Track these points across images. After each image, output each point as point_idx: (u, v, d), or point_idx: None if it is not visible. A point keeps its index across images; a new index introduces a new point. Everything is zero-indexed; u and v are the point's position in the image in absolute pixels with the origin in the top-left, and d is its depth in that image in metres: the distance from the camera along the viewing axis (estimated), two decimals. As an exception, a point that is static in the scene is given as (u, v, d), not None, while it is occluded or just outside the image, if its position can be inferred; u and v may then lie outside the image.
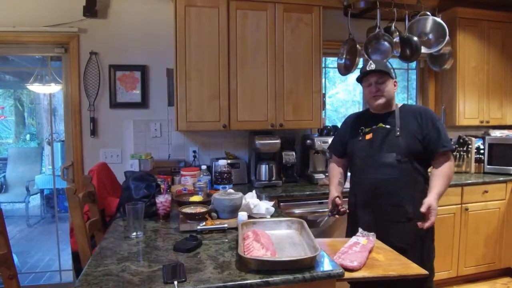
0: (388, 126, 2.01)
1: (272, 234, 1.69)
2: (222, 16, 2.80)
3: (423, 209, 1.83)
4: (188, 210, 1.88)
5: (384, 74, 1.98)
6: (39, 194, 5.46)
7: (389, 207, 1.97)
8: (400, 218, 1.96)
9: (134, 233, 1.76)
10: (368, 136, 2.04)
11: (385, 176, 1.95)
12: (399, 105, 2.09)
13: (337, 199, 2.07)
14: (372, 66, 1.97)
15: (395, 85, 2.05)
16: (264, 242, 1.52)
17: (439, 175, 1.92)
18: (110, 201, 2.41)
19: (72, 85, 2.99)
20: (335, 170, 2.26)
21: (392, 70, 2.03)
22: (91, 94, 3.00)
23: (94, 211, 2.17)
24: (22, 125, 7.74)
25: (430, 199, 1.85)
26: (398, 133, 1.97)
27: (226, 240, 1.71)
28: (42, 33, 2.90)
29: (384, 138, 1.99)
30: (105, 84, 3.02)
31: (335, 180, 2.20)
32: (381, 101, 2.00)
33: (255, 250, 1.46)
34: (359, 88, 5.17)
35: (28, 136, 7.60)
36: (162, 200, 1.98)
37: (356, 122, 2.17)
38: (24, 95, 7.61)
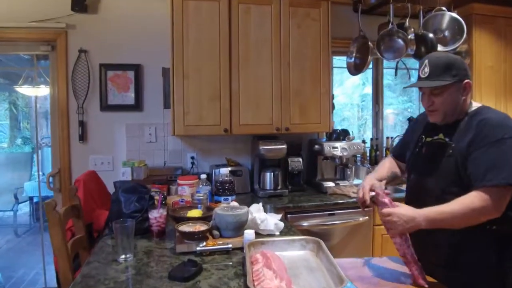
0: (447, 140, 1.48)
1: (284, 256, 1.45)
2: (223, 10, 2.58)
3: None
4: (185, 228, 1.63)
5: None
6: (28, 202, 5.20)
7: (428, 249, 1.48)
8: (438, 261, 1.48)
9: (123, 256, 1.51)
10: (423, 150, 1.58)
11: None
12: (474, 108, 1.48)
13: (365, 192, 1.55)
14: (425, 70, 1.45)
15: (466, 88, 1.44)
16: (276, 268, 1.28)
17: (454, 201, 1.33)
18: (98, 214, 2.18)
19: (60, 85, 2.76)
20: (388, 163, 1.80)
21: (460, 69, 1.43)
22: (80, 95, 2.76)
23: (79, 227, 1.93)
24: (17, 129, 7.51)
25: (404, 209, 1.36)
26: (451, 151, 1.43)
27: (231, 264, 1.47)
28: (27, 29, 2.68)
29: (435, 157, 1.49)
30: (95, 84, 2.79)
31: (380, 171, 1.76)
32: (436, 118, 1.50)
33: (267, 280, 1.22)
34: (358, 91, 4.95)
35: (19, 141, 7.34)
36: (156, 215, 1.73)
37: (421, 125, 1.67)
38: (19, 99, 7.38)
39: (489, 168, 1.30)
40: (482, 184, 1.29)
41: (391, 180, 1.74)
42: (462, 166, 1.38)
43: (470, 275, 1.42)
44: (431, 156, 1.52)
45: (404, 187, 1.92)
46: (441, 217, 1.31)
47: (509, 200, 1.33)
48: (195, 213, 1.80)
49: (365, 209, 1.58)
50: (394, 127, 4.17)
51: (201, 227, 1.63)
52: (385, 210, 1.36)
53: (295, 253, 1.51)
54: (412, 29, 2.87)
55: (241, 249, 1.58)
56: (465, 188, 1.35)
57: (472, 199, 1.30)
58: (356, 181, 2.87)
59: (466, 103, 1.47)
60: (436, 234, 1.39)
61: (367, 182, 1.57)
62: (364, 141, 3.12)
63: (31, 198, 5.11)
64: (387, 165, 1.79)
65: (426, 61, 1.46)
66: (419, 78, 1.49)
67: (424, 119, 1.66)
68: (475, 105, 1.49)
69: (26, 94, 5.20)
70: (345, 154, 2.74)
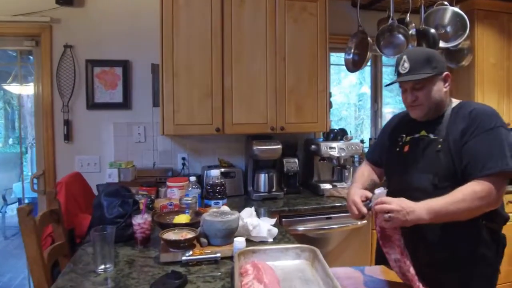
0: (431, 136, 1.44)
1: (277, 267, 1.34)
2: (215, 3, 2.45)
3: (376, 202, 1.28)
4: (171, 235, 1.51)
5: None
6: (17, 203, 5.05)
7: (419, 250, 1.39)
8: (431, 262, 1.40)
9: (102, 266, 1.39)
10: (406, 148, 1.51)
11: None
12: (455, 103, 1.48)
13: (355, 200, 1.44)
14: (405, 65, 1.41)
15: (446, 79, 1.44)
16: (268, 281, 1.17)
17: (454, 191, 1.27)
18: (81, 219, 2.06)
19: (44, 83, 2.63)
20: (366, 171, 1.72)
21: (439, 61, 1.42)
22: (65, 93, 2.63)
23: (58, 234, 1.80)
24: (12, 128, 7.37)
25: (402, 200, 1.25)
26: (440, 146, 1.39)
27: (219, 275, 1.36)
28: (9, 23, 2.56)
29: (421, 153, 1.44)
30: (81, 81, 2.66)
31: (360, 180, 1.67)
32: (419, 112, 1.46)
33: (257, 295, 1.10)
34: (355, 91, 4.84)
35: (10, 140, 7.19)
36: (140, 221, 1.61)
37: (398, 126, 1.63)
38: (13, 97, 7.24)
39: (488, 156, 1.29)
40: (483, 173, 1.27)
41: (371, 188, 1.65)
42: (456, 156, 1.35)
43: (465, 274, 1.37)
44: (415, 153, 1.47)
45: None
46: (445, 208, 1.24)
47: None
48: (183, 218, 1.68)
49: (362, 220, 1.48)
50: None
51: (187, 234, 1.51)
52: (386, 199, 1.26)
53: (289, 262, 1.39)
54: (413, 24, 2.76)
55: (230, 258, 1.46)
56: (457, 182, 1.31)
57: (473, 188, 1.26)
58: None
59: (447, 97, 1.47)
60: (427, 234, 1.35)
61: (356, 195, 1.44)
62: (362, 141, 3.00)
63: (19, 200, 4.98)
64: (366, 173, 1.73)
65: (405, 56, 1.43)
66: (399, 74, 1.45)
67: (398, 121, 1.66)
68: (455, 100, 1.50)
69: (14, 92, 5.06)
70: (342, 154, 2.62)
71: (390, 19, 2.71)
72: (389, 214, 1.22)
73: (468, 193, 1.25)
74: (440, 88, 1.43)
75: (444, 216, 1.25)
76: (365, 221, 2.43)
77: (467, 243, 1.37)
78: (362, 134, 4.24)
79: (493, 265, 1.41)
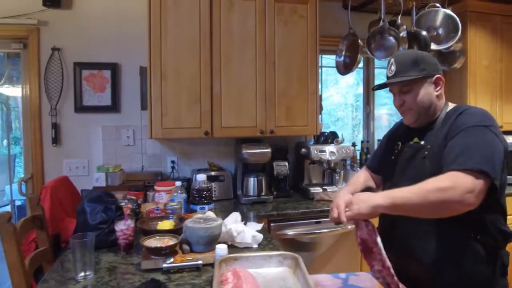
0: (422, 142, 1.40)
1: (259, 274, 1.32)
2: (204, 6, 2.43)
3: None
4: (152, 242, 1.49)
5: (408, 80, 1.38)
6: (9, 206, 5.01)
7: (410, 266, 1.37)
8: (422, 278, 1.35)
9: (82, 274, 1.37)
10: (399, 156, 1.49)
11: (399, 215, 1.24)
12: (450, 108, 1.41)
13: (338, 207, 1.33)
14: (392, 68, 1.38)
15: (437, 83, 1.38)
16: (247, 290, 1.15)
17: (417, 184, 1.18)
18: (67, 223, 2.03)
19: (31, 85, 2.61)
20: (363, 177, 1.69)
21: (429, 64, 1.37)
22: (53, 96, 2.60)
23: (42, 239, 1.78)
24: (10, 129, 7.34)
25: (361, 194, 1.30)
26: (427, 152, 1.34)
27: (200, 282, 1.34)
28: (-3, 26, 2.52)
29: (410, 161, 1.41)
30: (69, 84, 2.63)
31: (353, 185, 1.62)
32: (410, 118, 1.42)
33: (234, 305, 1.08)
34: (352, 91, 4.81)
35: (5, 142, 7.16)
36: (123, 227, 1.59)
37: (395, 134, 1.60)
38: (11, 98, 7.21)
39: (461, 152, 1.19)
40: (451, 168, 1.16)
41: None
42: (440, 165, 1.25)
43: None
44: (405, 161, 1.44)
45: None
46: (401, 194, 1.17)
47: (490, 210, 1.25)
48: (166, 224, 1.66)
49: (338, 225, 1.43)
50: (388, 128, 4.03)
51: (169, 241, 1.49)
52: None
53: (271, 270, 1.37)
54: (405, 27, 2.74)
55: (213, 265, 1.43)
56: None
57: (435, 178, 1.16)
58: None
59: (440, 101, 1.41)
60: (418, 249, 1.32)
61: (342, 199, 1.33)
62: (354, 144, 2.98)
63: (13, 202, 4.94)
64: (362, 179, 1.69)
65: (392, 59, 1.40)
66: (387, 78, 1.42)
67: (396, 128, 1.63)
68: (452, 104, 1.43)
69: (6, 94, 5.03)
70: (333, 158, 2.60)
71: (381, 21, 2.70)
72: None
73: (429, 183, 1.15)
74: (429, 92, 1.37)
75: (403, 204, 1.17)
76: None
77: (461, 261, 1.28)
78: (360, 135, 4.22)
79: (491, 284, 1.30)
